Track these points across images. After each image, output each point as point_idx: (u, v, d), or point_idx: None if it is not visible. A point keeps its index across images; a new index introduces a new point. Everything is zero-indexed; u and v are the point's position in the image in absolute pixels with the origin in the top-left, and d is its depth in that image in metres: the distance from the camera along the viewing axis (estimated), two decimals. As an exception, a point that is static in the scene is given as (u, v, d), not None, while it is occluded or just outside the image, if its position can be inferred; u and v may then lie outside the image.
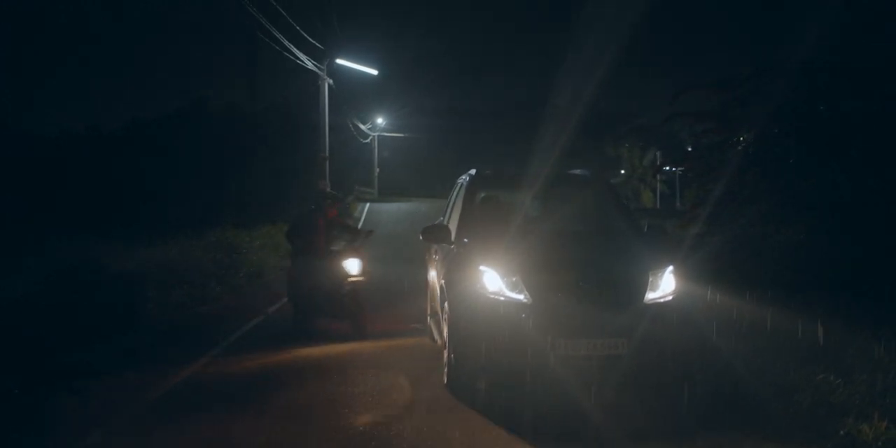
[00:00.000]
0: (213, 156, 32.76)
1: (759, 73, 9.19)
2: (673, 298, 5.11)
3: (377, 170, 47.23)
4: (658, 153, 48.90)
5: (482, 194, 6.82)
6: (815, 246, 7.98)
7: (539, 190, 6.73)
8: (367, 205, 35.29)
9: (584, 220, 6.42)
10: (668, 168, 26.56)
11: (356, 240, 7.78)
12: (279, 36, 15.57)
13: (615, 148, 51.76)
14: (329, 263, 7.55)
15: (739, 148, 9.42)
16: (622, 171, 52.68)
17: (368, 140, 43.01)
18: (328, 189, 20.13)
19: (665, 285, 5.14)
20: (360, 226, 27.79)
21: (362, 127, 36.24)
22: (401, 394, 5.42)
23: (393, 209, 32.79)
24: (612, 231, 6.18)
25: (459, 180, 7.28)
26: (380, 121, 46.58)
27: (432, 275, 6.97)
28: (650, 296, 5.06)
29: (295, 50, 16.79)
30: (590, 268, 5.15)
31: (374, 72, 21.27)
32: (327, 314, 7.70)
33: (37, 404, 5.31)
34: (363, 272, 7.64)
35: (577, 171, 7.21)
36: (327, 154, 19.57)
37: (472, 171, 7.01)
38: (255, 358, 6.76)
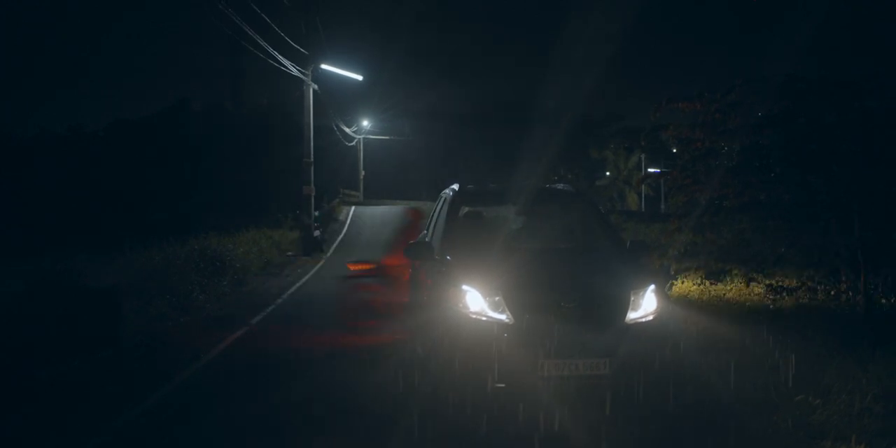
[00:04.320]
0: (196, 158, 32.56)
1: (742, 85, 9.22)
2: (654, 318, 5.12)
3: (363, 173, 47.10)
4: (643, 156, 49.19)
5: (465, 209, 6.81)
6: (794, 260, 8.04)
7: (522, 205, 6.74)
8: (353, 208, 35.18)
9: (567, 236, 6.42)
10: (652, 173, 26.72)
11: None
12: (263, 43, 15.44)
13: (599, 150, 51.98)
14: None
15: (723, 157, 9.46)
16: (607, 174, 52.98)
17: (353, 143, 42.86)
18: (313, 193, 20.06)
19: (647, 304, 5.15)
20: (345, 228, 27.77)
21: (347, 130, 36.09)
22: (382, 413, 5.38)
23: (378, 212, 32.70)
24: (594, 248, 6.19)
25: (443, 194, 7.26)
26: (365, 123, 46.42)
27: (416, 287, 6.94)
28: (632, 315, 5.07)
29: (280, 57, 16.64)
30: (572, 287, 5.16)
31: (359, 77, 21.14)
32: None
33: (11, 431, 5.24)
34: None
35: (561, 186, 7.21)
36: (312, 159, 19.45)
37: (456, 186, 6.98)
38: (232, 378, 6.71)
